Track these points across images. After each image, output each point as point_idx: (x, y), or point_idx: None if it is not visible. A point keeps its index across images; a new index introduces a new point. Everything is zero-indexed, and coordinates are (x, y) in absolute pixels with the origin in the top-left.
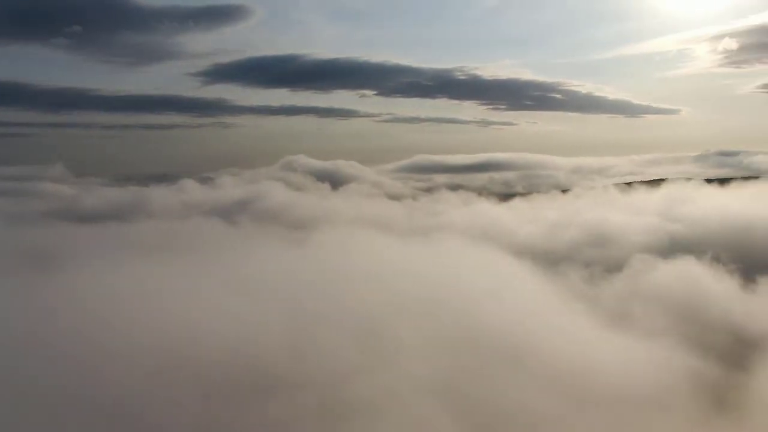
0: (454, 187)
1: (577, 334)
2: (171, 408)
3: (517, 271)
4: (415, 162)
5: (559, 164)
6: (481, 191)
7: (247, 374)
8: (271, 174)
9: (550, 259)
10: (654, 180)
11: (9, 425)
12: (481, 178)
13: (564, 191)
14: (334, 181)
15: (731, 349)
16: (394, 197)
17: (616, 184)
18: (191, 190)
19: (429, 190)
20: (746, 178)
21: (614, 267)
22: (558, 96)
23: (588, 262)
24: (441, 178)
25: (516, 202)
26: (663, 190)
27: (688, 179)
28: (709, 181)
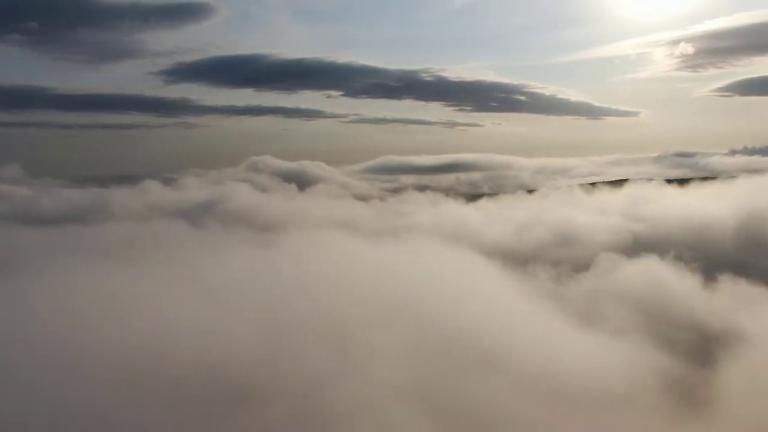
0: (421, 188)
1: (548, 334)
2: (136, 421)
3: (488, 271)
4: (381, 163)
5: (524, 165)
6: (448, 192)
7: (215, 383)
8: (237, 175)
9: (518, 259)
10: (617, 180)
11: None
12: (447, 179)
13: (530, 191)
14: (301, 182)
15: (696, 346)
16: (362, 198)
17: (581, 185)
18: (154, 191)
19: (396, 190)
20: (704, 179)
21: (581, 266)
22: (522, 98)
23: (556, 262)
24: (408, 179)
25: (483, 203)
26: (625, 191)
27: (650, 180)
28: (669, 181)
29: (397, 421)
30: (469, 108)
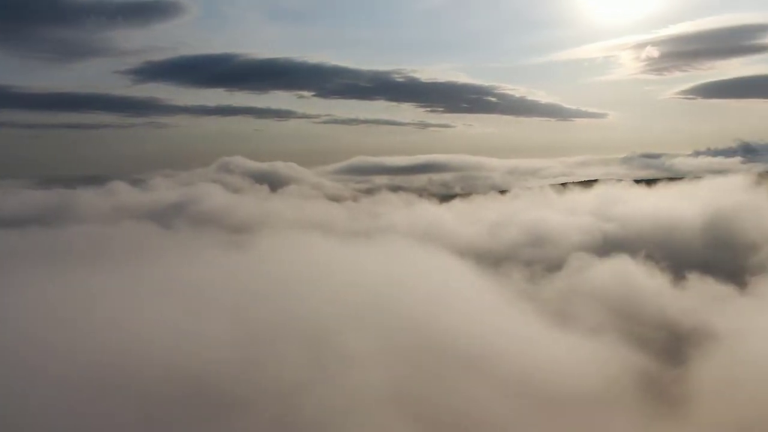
0: (394, 189)
1: (524, 334)
2: (106, 431)
3: (463, 271)
4: (354, 163)
5: (495, 166)
6: (421, 192)
7: (188, 391)
8: (208, 176)
9: (492, 259)
10: (587, 181)
11: None
12: (420, 180)
13: (502, 192)
14: (273, 183)
15: (667, 344)
16: (335, 199)
17: (552, 185)
18: (122, 192)
19: (369, 191)
20: (670, 179)
21: (554, 266)
22: (493, 99)
23: (529, 262)
24: (381, 180)
25: (456, 203)
26: (595, 191)
27: (619, 180)
28: (637, 181)
29: (376, 426)
30: (441, 109)
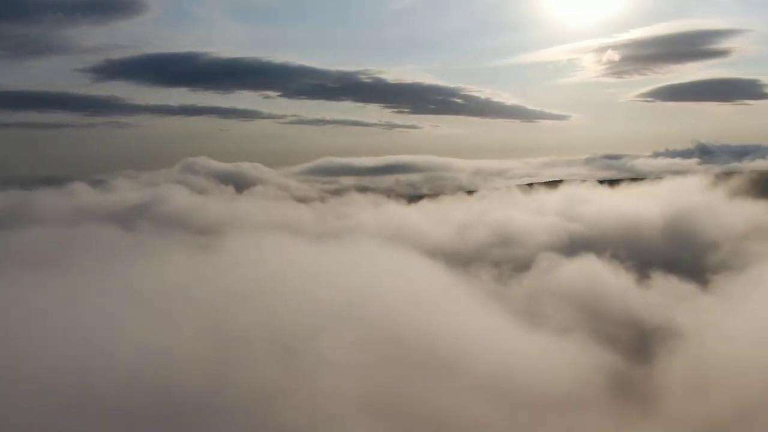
0: (362, 189)
1: (495, 335)
2: None
3: (432, 272)
4: (321, 164)
5: (462, 166)
6: (389, 193)
7: (154, 403)
8: (171, 176)
9: (461, 259)
10: (552, 181)
11: None
12: (387, 180)
13: (469, 192)
14: (239, 184)
15: (635, 342)
16: (302, 200)
17: (518, 186)
18: (82, 194)
19: (337, 192)
20: (632, 180)
21: (522, 266)
22: (459, 101)
23: (497, 262)
24: (348, 180)
25: (424, 204)
26: (561, 191)
27: (583, 181)
28: (601, 182)
29: (351, 431)
30: (408, 110)
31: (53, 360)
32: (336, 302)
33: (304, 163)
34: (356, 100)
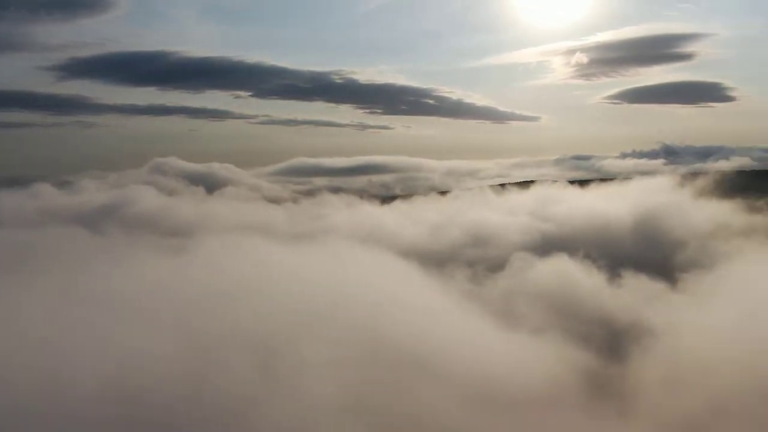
0: (335, 190)
1: (470, 335)
2: None
3: (407, 273)
4: (293, 164)
5: (434, 167)
6: (362, 194)
7: (124, 412)
8: (140, 177)
9: (435, 259)
10: (523, 182)
11: None
12: (360, 181)
13: (442, 193)
14: (209, 185)
15: (608, 341)
16: (274, 201)
17: (491, 186)
18: (47, 195)
19: (309, 192)
20: (602, 180)
21: (496, 266)
22: (431, 101)
23: (471, 262)
24: (320, 181)
25: (397, 204)
26: (532, 192)
27: (554, 181)
28: (571, 182)
29: None
30: (380, 111)
31: (15, 367)
32: (310, 303)
33: (275, 164)
34: (328, 100)
